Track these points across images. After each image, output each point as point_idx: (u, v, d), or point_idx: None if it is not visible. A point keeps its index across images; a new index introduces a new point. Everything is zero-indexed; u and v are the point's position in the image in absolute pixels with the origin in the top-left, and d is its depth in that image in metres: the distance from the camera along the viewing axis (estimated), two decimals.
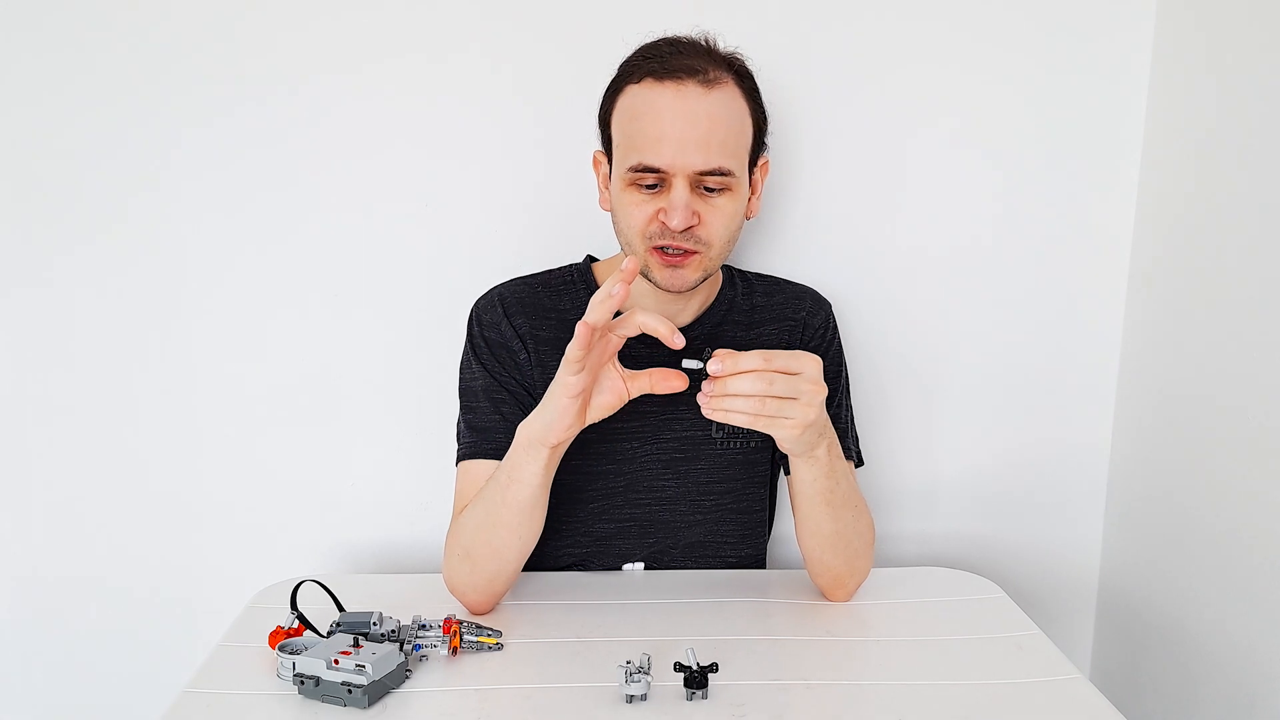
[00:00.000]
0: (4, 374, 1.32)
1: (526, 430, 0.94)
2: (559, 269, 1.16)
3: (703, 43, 1.00)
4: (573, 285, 1.13)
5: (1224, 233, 1.17)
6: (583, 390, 0.89)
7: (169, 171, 1.27)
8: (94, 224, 1.28)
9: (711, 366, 0.84)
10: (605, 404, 0.94)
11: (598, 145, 1.07)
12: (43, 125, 1.25)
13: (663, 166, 0.95)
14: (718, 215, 0.98)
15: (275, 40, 1.24)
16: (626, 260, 0.84)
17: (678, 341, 0.85)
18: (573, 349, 0.86)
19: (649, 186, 0.98)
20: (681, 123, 0.95)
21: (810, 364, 0.86)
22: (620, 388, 0.94)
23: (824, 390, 0.87)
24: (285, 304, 1.31)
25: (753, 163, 1.03)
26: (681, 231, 0.97)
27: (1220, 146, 1.17)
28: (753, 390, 0.84)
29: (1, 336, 1.31)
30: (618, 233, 1.04)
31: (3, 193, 1.27)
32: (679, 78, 0.95)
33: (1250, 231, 1.12)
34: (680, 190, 0.96)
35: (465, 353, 1.11)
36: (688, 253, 0.99)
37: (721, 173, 0.96)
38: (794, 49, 1.26)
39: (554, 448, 0.93)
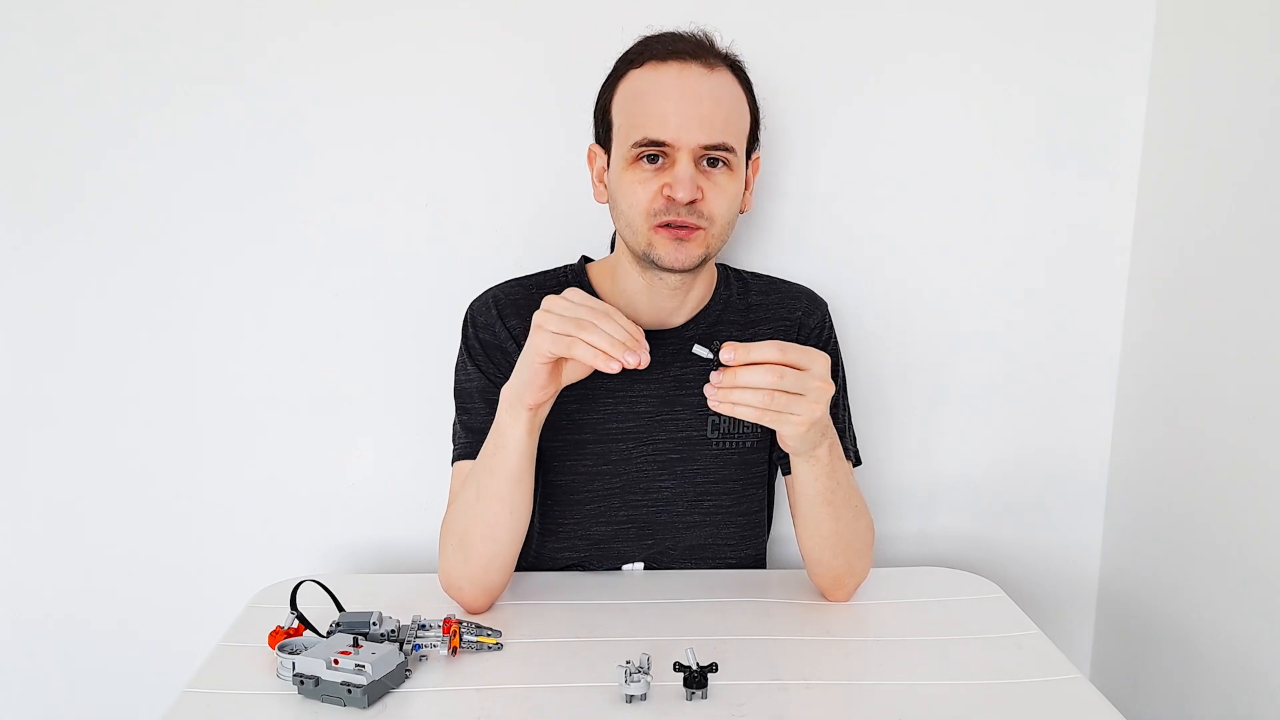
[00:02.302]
0: (1, 376, 1.32)
1: (506, 392, 0.96)
2: (554, 270, 1.16)
3: (701, 35, 1.02)
4: (567, 286, 1.13)
5: (1224, 233, 1.17)
6: (553, 357, 0.90)
7: (164, 170, 1.27)
8: (91, 224, 1.28)
9: (724, 355, 0.84)
10: (578, 367, 0.95)
11: (592, 143, 1.08)
12: (37, 123, 1.25)
13: (668, 140, 0.97)
14: (719, 193, 1.00)
15: (273, 37, 1.24)
16: (641, 354, 0.86)
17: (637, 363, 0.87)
18: (546, 334, 0.89)
19: (651, 161, 0.99)
20: (686, 99, 0.97)
21: (819, 361, 0.86)
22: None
23: (831, 388, 0.87)
24: (284, 304, 1.31)
25: (748, 154, 1.05)
26: (686, 205, 0.98)
27: (1221, 146, 1.17)
28: (762, 383, 0.84)
29: None
30: (618, 217, 1.04)
31: None
32: (682, 58, 0.98)
33: (1250, 232, 1.12)
34: (685, 163, 0.97)
35: (460, 354, 1.12)
36: (692, 228, 0.99)
37: (724, 148, 0.98)
38: (789, 45, 1.26)
39: (533, 409, 0.95)
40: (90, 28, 1.23)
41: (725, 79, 1.00)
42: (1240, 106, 1.14)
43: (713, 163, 0.99)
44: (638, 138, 0.98)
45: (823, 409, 0.87)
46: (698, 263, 1.02)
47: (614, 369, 0.86)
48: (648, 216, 0.99)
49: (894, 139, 1.30)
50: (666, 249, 1.00)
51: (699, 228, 0.99)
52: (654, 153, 0.98)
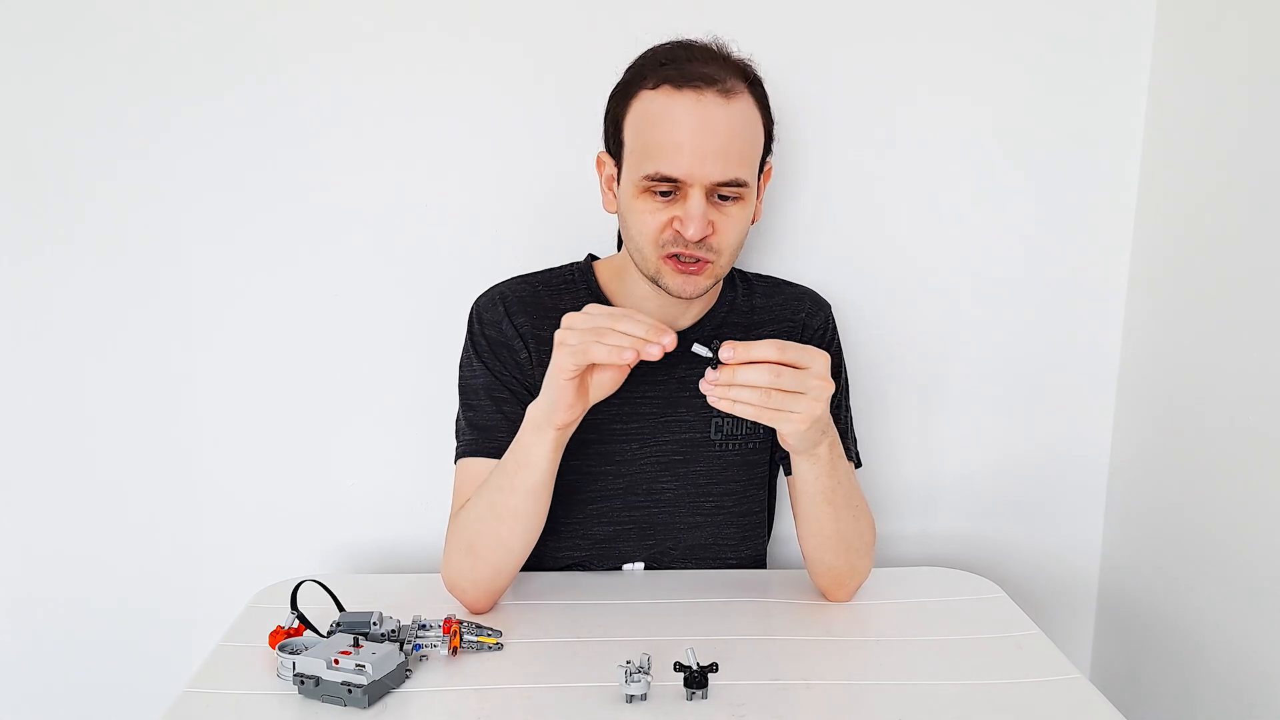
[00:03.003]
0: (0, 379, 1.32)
1: (533, 413, 0.95)
2: (560, 268, 1.16)
3: (715, 49, 0.99)
4: (574, 284, 1.13)
5: (1223, 233, 1.17)
6: (576, 369, 0.89)
7: (166, 168, 1.26)
8: (91, 224, 1.28)
9: (723, 353, 0.84)
10: (606, 381, 0.94)
11: (600, 146, 1.07)
12: (37, 131, 1.25)
13: (680, 176, 0.95)
14: (730, 224, 0.98)
15: (274, 34, 1.24)
16: (664, 339, 0.85)
17: (661, 348, 0.86)
18: (568, 354, 0.88)
19: (663, 194, 0.97)
20: (701, 133, 0.94)
21: (820, 360, 0.86)
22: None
23: (831, 386, 0.87)
24: (285, 303, 1.31)
25: (760, 166, 1.03)
26: (696, 241, 0.97)
27: (1220, 148, 1.17)
28: (759, 381, 0.84)
29: None
30: (627, 239, 1.03)
31: None
32: (698, 86, 0.94)
33: (1249, 232, 1.12)
34: (696, 201, 0.95)
35: (466, 350, 1.11)
36: (701, 261, 0.99)
37: (737, 184, 0.96)
38: (795, 51, 1.26)
39: (560, 429, 0.94)
40: (95, 37, 1.22)
41: (742, 105, 0.97)
42: (1240, 108, 1.14)
43: (724, 197, 0.98)
44: (650, 170, 0.96)
45: (823, 407, 0.87)
46: (705, 291, 1.02)
47: (629, 359, 0.85)
48: (656, 246, 0.99)
49: (895, 142, 1.30)
50: (674, 280, 1.00)
51: (707, 261, 0.99)
52: (666, 188, 0.96)
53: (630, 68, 1.01)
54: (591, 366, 0.92)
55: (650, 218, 0.98)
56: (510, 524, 0.98)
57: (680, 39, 1.00)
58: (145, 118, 1.25)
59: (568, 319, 0.90)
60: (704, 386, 0.86)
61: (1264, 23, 1.10)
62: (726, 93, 0.95)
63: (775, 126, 1.05)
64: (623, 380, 0.95)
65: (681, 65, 0.96)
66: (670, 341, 0.85)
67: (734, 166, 0.96)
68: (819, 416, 0.87)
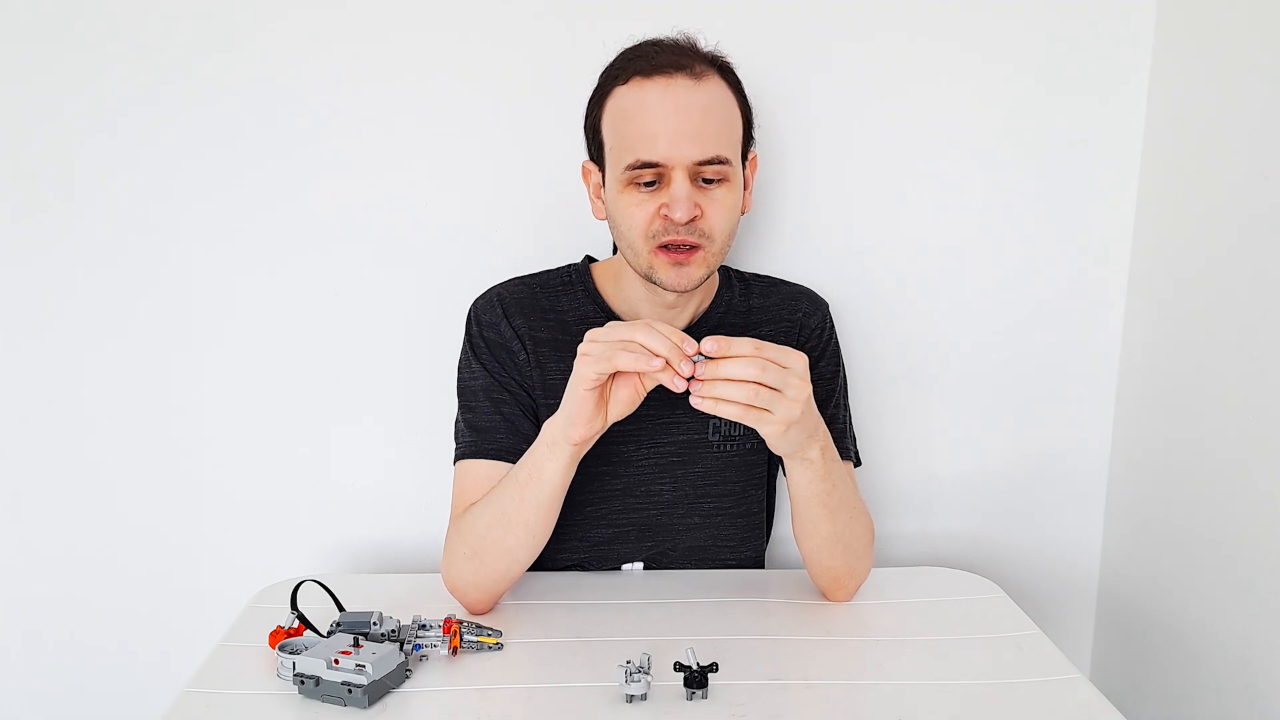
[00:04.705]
0: None
1: (550, 428, 0.94)
2: (557, 269, 1.16)
3: (683, 41, 1.00)
4: (571, 286, 1.13)
5: (1222, 235, 1.17)
6: (598, 380, 0.89)
7: (166, 170, 1.27)
8: (91, 225, 1.28)
9: (706, 346, 0.84)
10: (625, 398, 0.93)
11: (585, 159, 1.07)
12: (37, 123, 1.25)
13: (660, 160, 0.95)
14: (718, 207, 0.99)
15: (274, 39, 1.24)
16: (684, 365, 0.84)
17: (685, 383, 0.86)
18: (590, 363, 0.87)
19: (647, 184, 0.98)
20: (674, 116, 0.95)
21: (797, 360, 0.86)
22: (635, 379, 0.92)
23: (809, 387, 0.86)
24: (284, 304, 1.31)
25: (743, 157, 1.04)
26: (685, 224, 0.97)
27: (1219, 150, 1.17)
28: (746, 375, 0.83)
29: None
30: (618, 238, 1.03)
31: None
32: (667, 72, 0.96)
33: (1248, 234, 1.12)
34: (680, 183, 0.96)
35: (464, 352, 1.11)
36: (692, 248, 0.99)
37: (719, 161, 0.97)
38: (792, 50, 1.26)
39: (577, 445, 0.93)
40: (94, 40, 1.23)
41: (713, 87, 0.98)
42: (1240, 110, 1.14)
43: (709, 179, 0.98)
44: (630, 160, 0.96)
45: (800, 409, 0.86)
46: (699, 283, 1.02)
47: (657, 366, 0.84)
48: (647, 239, 0.99)
49: (894, 140, 1.30)
50: (668, 273, 1.00)
51: (699, 246, 0.99)
52: (649, 176, 0.97)
53: (602, 73, 1.02)
54: (611, 380, 0.91)
55: (638, 210, 0.98)
56: (518, 534, 0.98)
57: (648, 38, 1.01)
58: (146, 120, 1.25)
59: (590, 334, 0.89)
60: (691, 385, 0.85)
61: (1264, 24, 1.10)
62: (696, 75, 0.96)
63: (763, 120, 1.05)
64: (640, 400, 0.93)
65: (649, 57, 0.97)
66: (691, 349, 0.85)
67: (711, 145, 0.96)
68: (797, 419, 0.86)
